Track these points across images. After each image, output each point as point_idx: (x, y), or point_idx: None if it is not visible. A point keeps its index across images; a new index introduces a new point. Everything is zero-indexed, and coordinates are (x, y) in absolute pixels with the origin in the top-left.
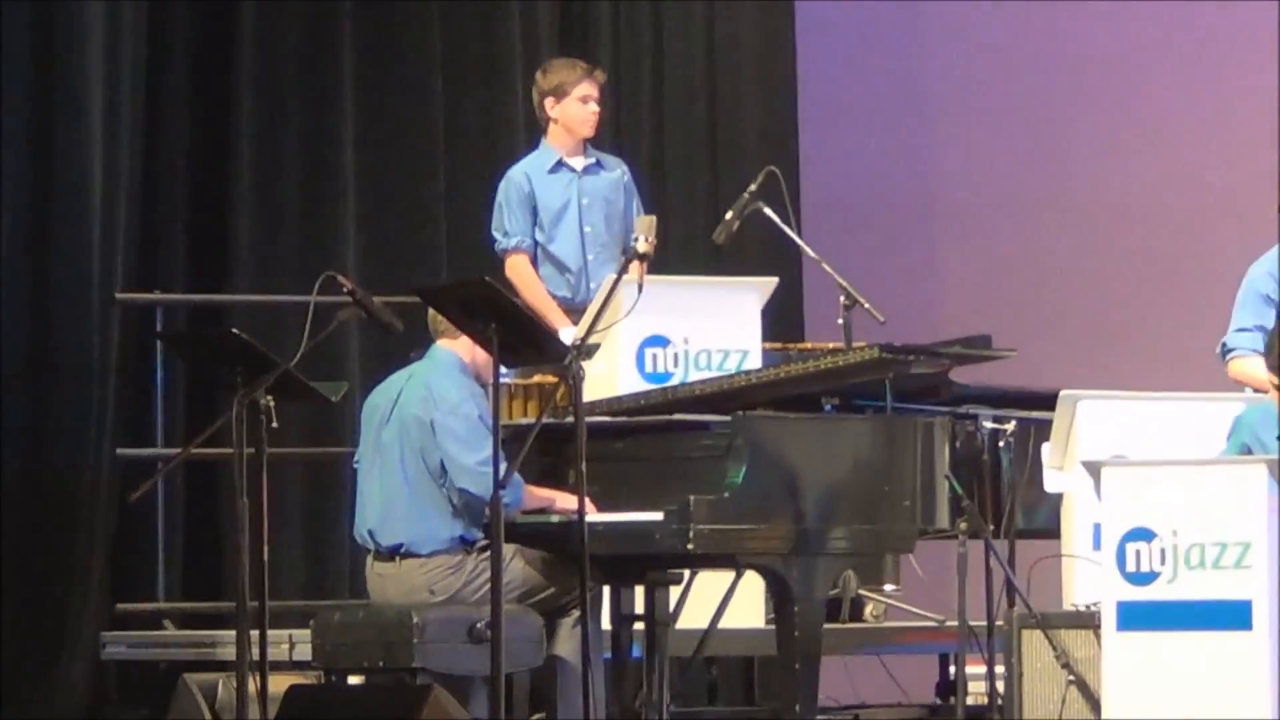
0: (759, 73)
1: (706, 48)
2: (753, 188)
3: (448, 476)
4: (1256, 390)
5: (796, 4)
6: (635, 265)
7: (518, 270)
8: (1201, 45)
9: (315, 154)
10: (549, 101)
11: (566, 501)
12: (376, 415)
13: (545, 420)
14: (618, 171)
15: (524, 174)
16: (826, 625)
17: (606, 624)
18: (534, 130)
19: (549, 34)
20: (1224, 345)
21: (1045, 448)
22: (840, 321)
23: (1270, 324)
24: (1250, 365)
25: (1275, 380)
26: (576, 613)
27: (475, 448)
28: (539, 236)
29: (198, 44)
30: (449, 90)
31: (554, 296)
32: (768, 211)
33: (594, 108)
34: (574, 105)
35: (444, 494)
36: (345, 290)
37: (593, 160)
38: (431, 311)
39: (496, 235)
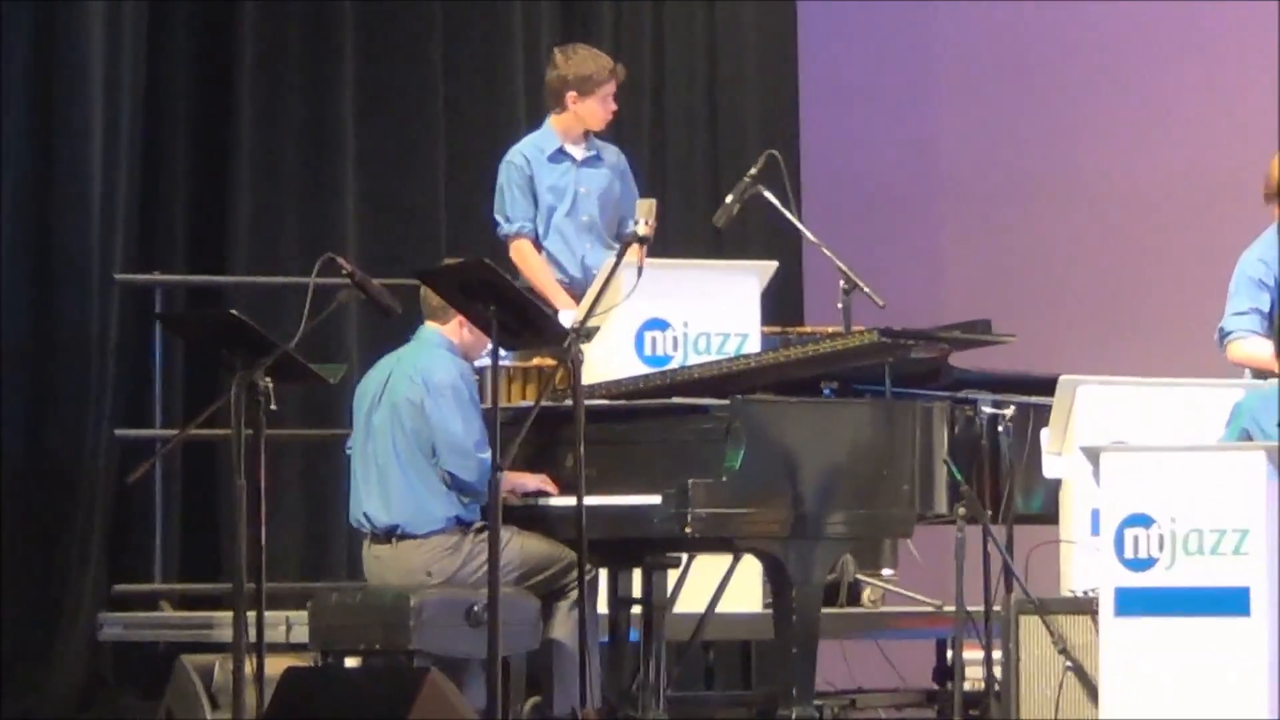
0: (760, 55)
1: (708, 30)
2: (753, 171)
3: (439, 457)
4: (1258, 372)
5: None
6: (635, 248)
7: (522, 254)
8: (1207, 31)
9: (315, 136)
10: (571, 95)
11: (534, 484)
12: (367, 399)
13: (544, 403)
14: (615, 160)
15: (524, 157)
16: (824, 610)
17: (604, 607)
18: (534, 114)
19: (550, 20)
20: (1222, 330)
21: (1044, 433)
22: (840, 305)
23: (1265, 308)
24: (1251, 346)
25: None
26: (574, 596)
27: (468, 429)
28: (542, 222)
29: (199, 26)
30: (449, 74)
31: None
32: (768, 195)
33: (613, 106)
34: (597, 104)
35: (438, 474)
36: (344, 272)
37: (593, 152)
38: (423, 292)
39: (499, 220)
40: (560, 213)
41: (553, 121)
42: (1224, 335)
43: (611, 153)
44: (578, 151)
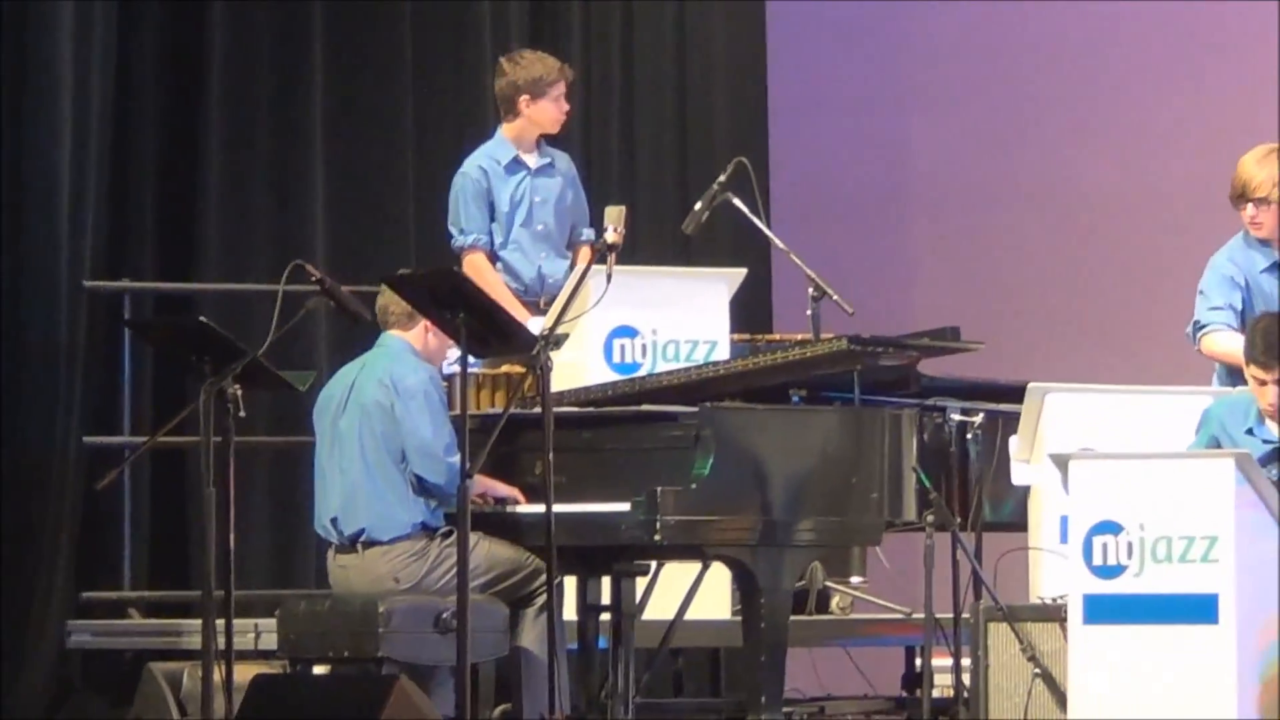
0: (729, 63)
1: (676, 38)
2: (722, 178)
3: (409, 461)
4: (1229, 369)
5: None
6: (603, 255)
7: (476, 268)
8: (1174, 39)
9: (284, 143)
10: (524, 99)
11: (505, 491)
12: (331, 407)
13: (512, 410)
14: (565, 166)
15: (480, 169)
16: (793, 617)
17: (572, 614)
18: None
19: (519, 25)
20: (1196, 323)
21: (1013, 440)
22: (809, 313)
23: (1237, 305)
24: (1226, 340)
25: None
26: (541, 602)
27: (438, 433)
28: (499, 232)
29: (168, 33)
30: (419, 81)
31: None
32: (736, 202)
33: (566, 106)
34: (549, 105)
35: (405, 478)
36: (313, 279)
37: (547, 160)
38: (381, 302)
39: (453, 231)
40: (517, 222)
41: (504, 130)
42: (1199, 328)
43: (563, 160)
44: (532, 160)
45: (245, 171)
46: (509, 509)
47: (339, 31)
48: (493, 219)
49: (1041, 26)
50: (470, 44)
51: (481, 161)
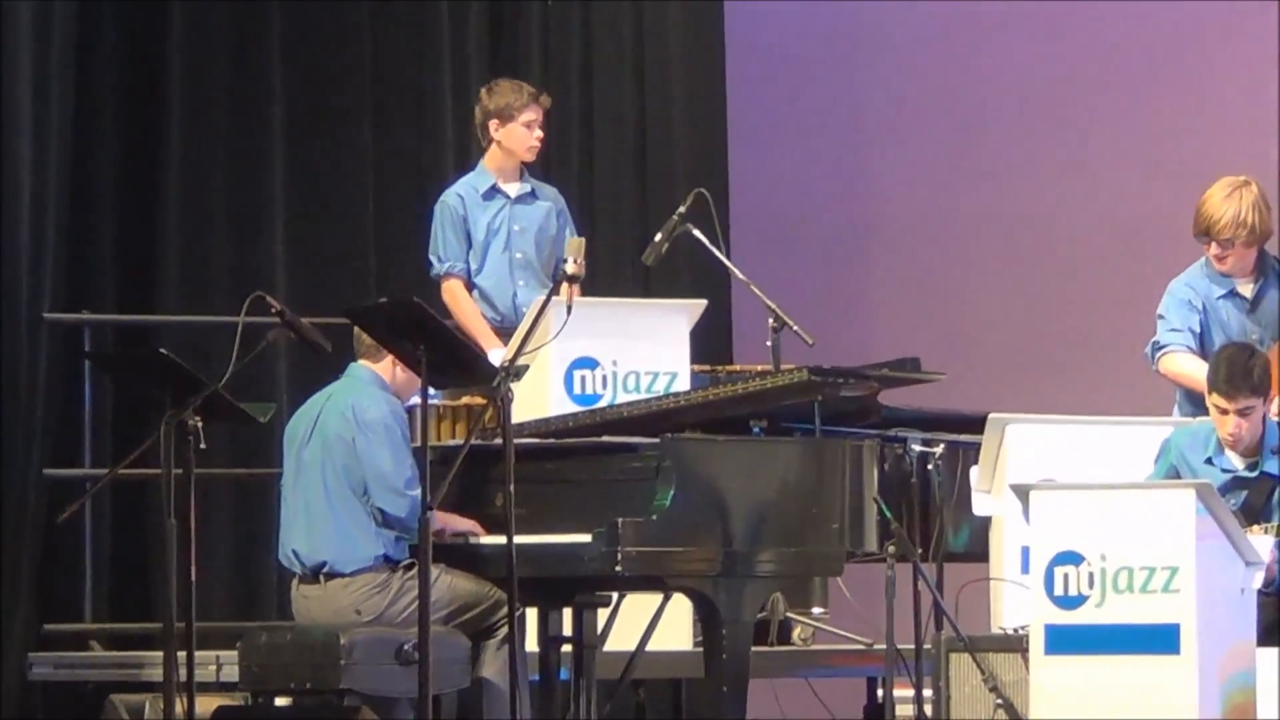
0: (688, 94)
1: (636, 69)
2: (681, 209)
3: (370, 494)
4: (1187, 392)
5: (727, 26)
6: (565, 287)
7: (453, 295)
8: (1134, 72)
9: (245, 174)
10: (494, 123)
11: (465, 525)
12: (298, 436)
13: (473, 442)
14: (553, 198)
15: (458, 197)
16: (754, 648)
17: (534, 646)
18: (463, 150)
19: (479, 65)
20: (1155, 344)
21: (974, 471)
22: (769, 343)
23: (1196, 328)
24: (1185, 362)
25: (1219, 403)
26: (503, 633)
27: (399, 466)
28: (475, 261)
29: (126, 63)
30: (379, 111)
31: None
32: (696, 233)
33: (539, 133)
34: (519, 130)
35: (367, 512)
36: (273, 311)
37: (529, 189)
38: (357, 330)
39: (432, 260)
40: (495, 249)
41: (485, 161)
42: (1158, 349)
43: (549, 192)
44: (512, 189)
45: (205, 202)
46: (470, 541)
47: (298, 59)
48: (470, 248)
49: (1001, 63)
50: (430, 76)
51: (460, 189)
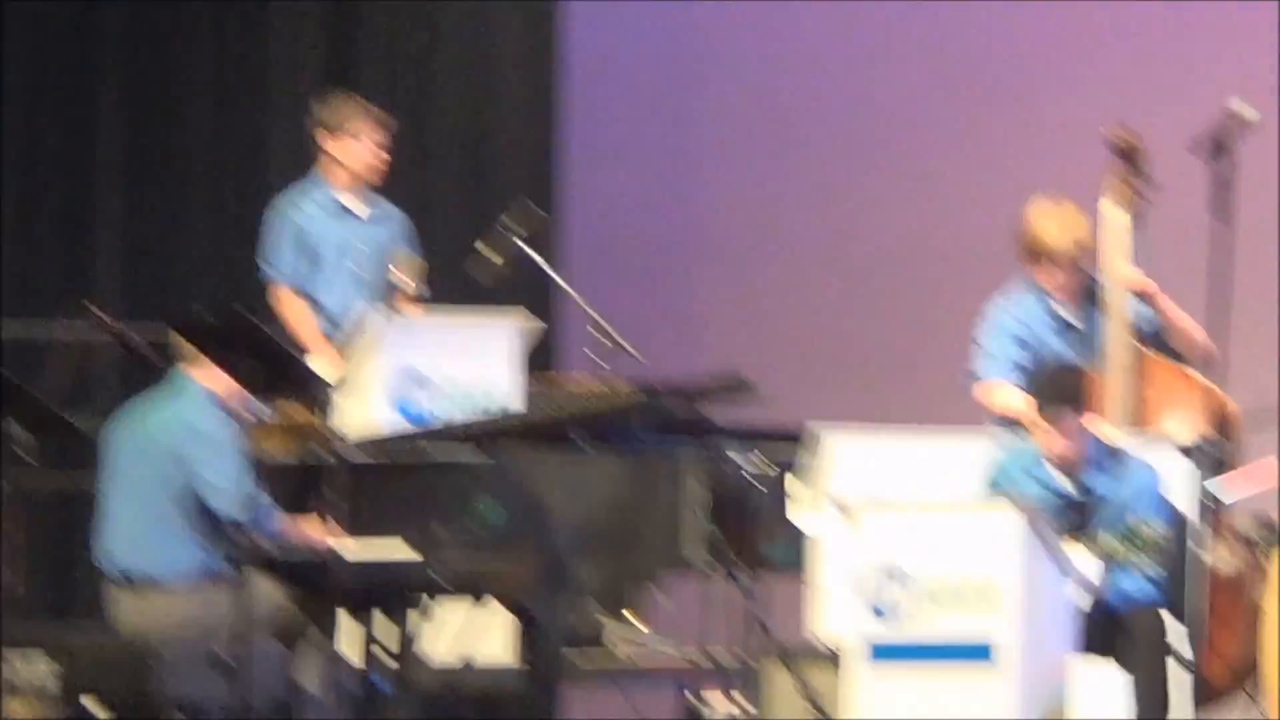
0: (524, 111)
1: (471, 83)
2: (504, 218)
3: (194, 505)
4: (1003, 416)
5: (566, 43)
6: (404, 303)
7: (283, 301)
8: (955, 88)
9: (77, 180)
10: (322, 133)
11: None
12: (116, 443)
13: (301, 455)
14: (399, 221)
15: (298, 208)
16: (572, 659)
17: (354, 656)
18: (298, 152)
19: (314, 69)
20: (972, 372)
21: (794, 483)
22: (597, 359)
23: (1016, 358)
24: (1001, 392)
25: (1044, 421)
26: (323, 644)
27: (230, 473)
28: (313, 274)
29: None
30: (216, 118)
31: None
32: (524, 246)
33: (373, 147)
34: (350, 141)
35: (187, 520)
36: (102, 321)
37: (376, 209)
38: (175, 338)
39: (262, 264)
40: (342, 269)
41: (324, 173)
42: (974, 379)
43: (397, 215)
44: (360, 208)
45: (36, 208)
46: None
47: (133, 60)
48: (309, 257)
49: (838, 82)
50: (262, 94)
51: (300, 200)
